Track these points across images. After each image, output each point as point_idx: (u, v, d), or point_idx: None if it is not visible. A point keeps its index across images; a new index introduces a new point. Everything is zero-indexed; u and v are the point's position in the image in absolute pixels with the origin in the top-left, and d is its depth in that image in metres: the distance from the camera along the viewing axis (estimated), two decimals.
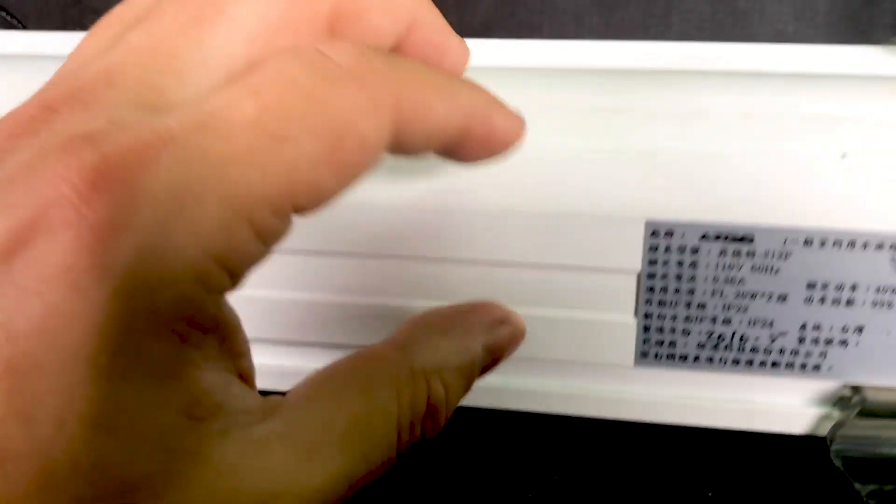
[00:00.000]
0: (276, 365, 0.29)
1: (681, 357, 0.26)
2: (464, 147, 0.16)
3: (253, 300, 0.28)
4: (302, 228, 0.15)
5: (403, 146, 0.15)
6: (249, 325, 0.17)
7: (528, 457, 0.31)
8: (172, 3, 0.14)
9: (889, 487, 0.26)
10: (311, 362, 0.25)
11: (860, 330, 0.25)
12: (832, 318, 0.25)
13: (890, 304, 0.24)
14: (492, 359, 0.20)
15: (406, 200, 0.25)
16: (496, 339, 0.20)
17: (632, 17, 0.42)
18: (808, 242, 0.24)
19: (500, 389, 0.28)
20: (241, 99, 0.13)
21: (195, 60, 0.14)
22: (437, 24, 0.17)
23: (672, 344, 0.26)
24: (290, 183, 0.13)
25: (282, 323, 0.28)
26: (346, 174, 0.14)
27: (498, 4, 0.43)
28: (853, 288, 0.24)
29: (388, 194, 0.26)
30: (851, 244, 0.24)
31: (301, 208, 0.14)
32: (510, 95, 0.26)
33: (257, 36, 0.14)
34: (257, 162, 0.13)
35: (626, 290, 0.26)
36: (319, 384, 0.16)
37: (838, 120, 0.24)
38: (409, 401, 0.16)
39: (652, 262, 0.25)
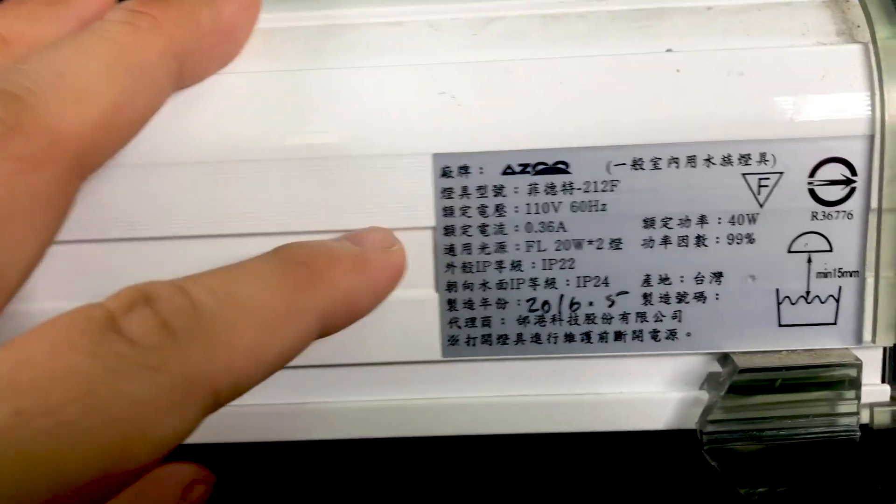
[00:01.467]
0: None
1: (500, 338, 0.20)
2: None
3: None
4: None
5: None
6: None
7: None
8: None
9: (781, 488, 0.20)
10: None
11: (718, 277, 0.19)
12: (681, 265, 0.19)
13: (750, 239, 0.19)
14: None
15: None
16: None
17: None
18: (637, 165, 0.19)
19: (286, 414, 0.20)
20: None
21: None
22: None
23: (486, 321, 0.20)
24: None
25: None
26: (132, 479, 0.12)
27: None
28: (702, 221, 0.19)
29: None
30: (691, 161, 0.19)
31: None
32: None
33: None
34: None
35: (420, 253, 0.19)
36: None
37: (659, 13, 0.20)
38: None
39: (447, 212, 0.19)
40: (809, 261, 0.19)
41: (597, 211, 0.19)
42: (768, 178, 0.19)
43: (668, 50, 0.19)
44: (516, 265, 0.19)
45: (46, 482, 0.11)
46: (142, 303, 0.13)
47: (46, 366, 0.12)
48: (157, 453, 0.12)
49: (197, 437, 0.20)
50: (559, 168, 0.19)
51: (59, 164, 0.14)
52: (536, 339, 0.20)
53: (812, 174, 0.18)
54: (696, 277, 0.19)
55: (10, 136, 0.14)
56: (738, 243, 0.19)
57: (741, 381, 0.19)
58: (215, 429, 0.20)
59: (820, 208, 0.19)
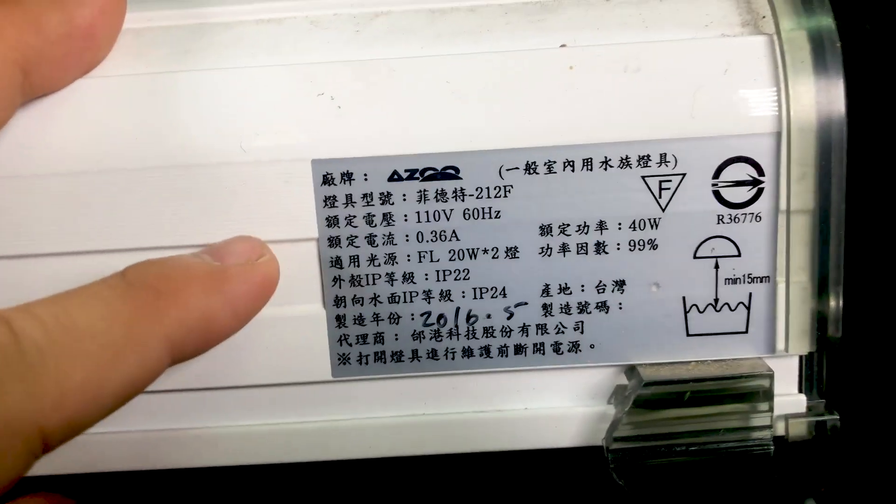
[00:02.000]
0: None
1: (394, 355, 0.18)
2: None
3: None
4: None
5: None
6: None
7: None
8: None
9: None
10: None
11: (621, 286, 0.18)
12: (582, 273, 0.18)
13: (653, 244, 0.18)
14: None
15: None
16: None
17: None
18: (530, 169, 0.17)
19: (166, 440, 0.19)
20: None
21: None
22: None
23: (379, 338, 0.18)
24: None
25: None
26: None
27: None
28: (601, 227, 0.18)
29: None
30: (587, 164, 0.17)
31: None
32: None
33: None
34: None
35: (305, 267, 0.18)
36: None
37: (554, 6, 0.18)
38: None
39: (331, 222, 0.18)
40: (717, 266, 0.18)
41: (490, 218, 0.18)
42: (670, 181, 0.17)
43: (563, 45, 0.18)
44: (408, 277, 0.18)
45: None
46: (36, 304, 0.12)
47: None
48: (33, 458, 0.12)
49: (73, 468, 0.19)
50: (449, 174, 0.17)
51: None
52: (433, 354, 0.18)
53: (717, 175, 0.17)
54: (598, 286, 0.18)
55: None
56: (640, 249, 0.18)
57: (647, 394, 0.18)
58: (93, 458, 0.19)
59: (726, 211, 0.18)
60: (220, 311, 0.15)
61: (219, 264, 0.16)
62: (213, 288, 0.15)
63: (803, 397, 0.19)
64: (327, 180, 0.17)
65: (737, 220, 0.18)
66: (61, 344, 0.13)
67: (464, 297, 0.18)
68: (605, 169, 0.17)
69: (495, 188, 0.17)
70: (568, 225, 0.18)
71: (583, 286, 0.18)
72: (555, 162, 0.17)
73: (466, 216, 0.18)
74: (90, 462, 0.19)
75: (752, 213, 0.18)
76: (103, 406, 0.13)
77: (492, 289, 0.18)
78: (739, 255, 0.18)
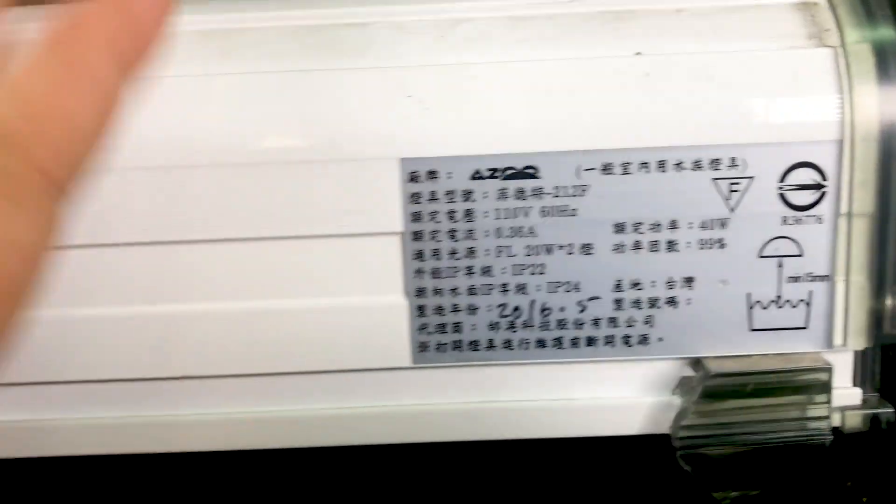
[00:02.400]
0: None
1: (470, 345, 0.19)
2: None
3: None
4: None
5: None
6: None
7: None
8: None
9: (753, 492, 0.20)
10: None
11: (690, 282, 0.19)
12: (653, 270, 0.19)
13: (721, 243, 0.19)
14: None
15: None
16: None
17: None
18: (607, 170, 0.18)
19: (235, 422, 0.20)
20: None
21: None
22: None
23: (457, 327, 0.19)
24: None
25: None
26: (21, 293, 0.12)
27: None
28: (673, 226, 0.19)
29: None
30: (661, 166, 0.18)
31: None
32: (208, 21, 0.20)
33: None
34: None
35: (389, 259, 0.19)
36: None
37: (628, 14, 0.19)
38: None
39: (415, 217, 0.19)
40: (780, 265, 0.19)
41: (567, 216, 0.19)
42: (739, 183, 0.18)
43: (638, 53, 0.19)
44: (486, 270, 0.19)
45: None
46: None
47: None
48: (25, 259, 0.12)
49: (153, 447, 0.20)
50: (528, 173, 0.18)
51: None
52: (507, 344, 0.19)
53: (782, 179, 0.18)
54: (668, 282, 0.19)
55: None
56: (709, 248, 0.19)
57: (713, 385, 0.19)
58: (175, 437, 0.20)
59: (790, 213, 0.19)
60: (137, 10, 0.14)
61: None
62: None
63: (858, 390, 0.20)
64: (413, 178, 0.18)
65: (800, 221, 0.19)
66: (22, 107, 0.13)
67: (539, 290, 0.19)
68: (678, 171, 0.18)
69: (572, 187, 0.18)
70: (641, 223, 0.19)
71: (653, 282, 0.19)
72: (630, 163, 0.18)
73: (544, 214, 0.19)
74: (164, 442, 0.20)
75: (815, 216, 0.19)
76: (86, 129, 0.13)
77: (566, 283, 0.19)
78: (802, 255, 0.19)
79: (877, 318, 0.19)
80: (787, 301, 0.19)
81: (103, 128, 0.14)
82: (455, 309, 0.19)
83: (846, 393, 0.20)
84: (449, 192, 0.19)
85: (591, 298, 0.19)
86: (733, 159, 0.18)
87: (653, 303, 0.19)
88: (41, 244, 0.12)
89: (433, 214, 0.19)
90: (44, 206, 0.12)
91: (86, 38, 0.14)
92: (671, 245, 0.19)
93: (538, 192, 0.19)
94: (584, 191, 0.18)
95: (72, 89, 0.13)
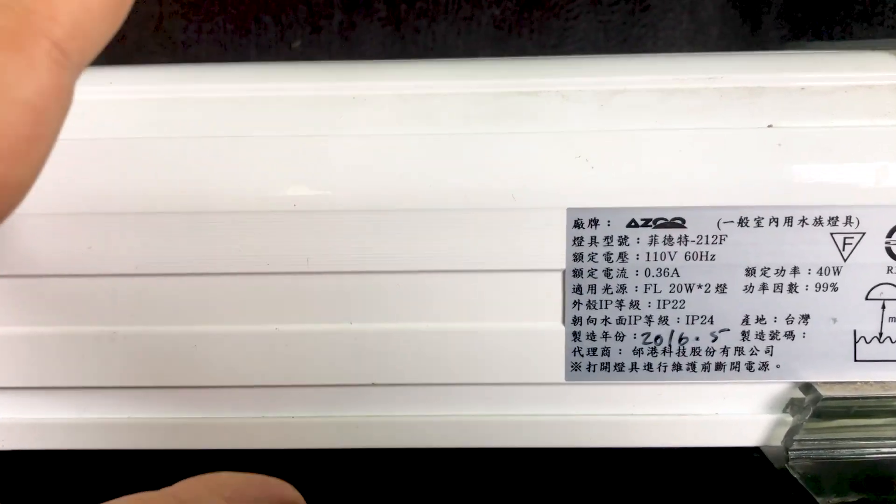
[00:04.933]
0: None
1: (616, 366, 0.23)
2: None
3: None
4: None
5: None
6: None
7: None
8: None
9: (853, 499, 0.23)
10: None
11: (806, 319, 0.22)
12: (775, 308, 0.22)
13: (834, 287, 0.22)
14: None
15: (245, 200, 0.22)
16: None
17: (524, 46, 0.40)
18: (742, 223, 0.22)
19: (412, 424, 0.24)
20: None
21: None
22: None
23: (606, 351, 0.23)
24: None
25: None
26: (30, 152, 0.13)
27: (388, 44, 0.41)
28: (795, 271, 0.22)
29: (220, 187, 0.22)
30: (788, 221, 0.22)
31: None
32: (407, 86, 0.23)
33: None
34: None
35: (551, 291, 0.23)
36: None
37: (760, 91, 0.23)
38: None
39: (577, 257, 0.22)
40: (884, 307, 0.22)
41: (707, 260, 0.22)
42: (852, 237, 0.22)
43: (770, 126, 0.22)
44: (634, 304, 0.23)
45: None
46: None
47: None
48: (34, 119, 0.13)
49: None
50: (676, 223, 0.22)
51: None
52: (648, 367, 0.23)
53: (889, 235, 0.22)
54: (788, 318, 0.22)
55: None
56: (823, 291, 0.22)
57: (823, 406, 0.22)
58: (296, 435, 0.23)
59: (895, 263, 0.22)
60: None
61: None
62: None
63: None
64: (578, 224, 0.22)
65: None
66: None
67: (678, 322, 0.23)
68: (802, 226, 0.22)
69: (713, 236, 0.22)
70: (768, 269, 0.22)
71: (776, 318, 0.22)
72: (763, 218, 0.22)
73: (687, 258, 0.22)
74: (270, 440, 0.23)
75: None
76: (90, 14, 0.14)
77: (702, 317, 0.23)
78: None
79: None
80: (888, 337, 0.23)
81: (114, 14, 0.14)
82: (605, 336, 0.23)
83: None
84: (607, 238, 0.22)
85: (723, 330, 0.23)
86: (848, 217, 0.22)
87: (774, 335, 0.23)
88: (51, 108, 0.13)
89: (592, 255, 0.22)
90: (54, 72, 0.13)
91: None
92: (792, 287, 0.22)
93: (683, 240, 0.22)
94: (722, 240, 0.22)
95: None
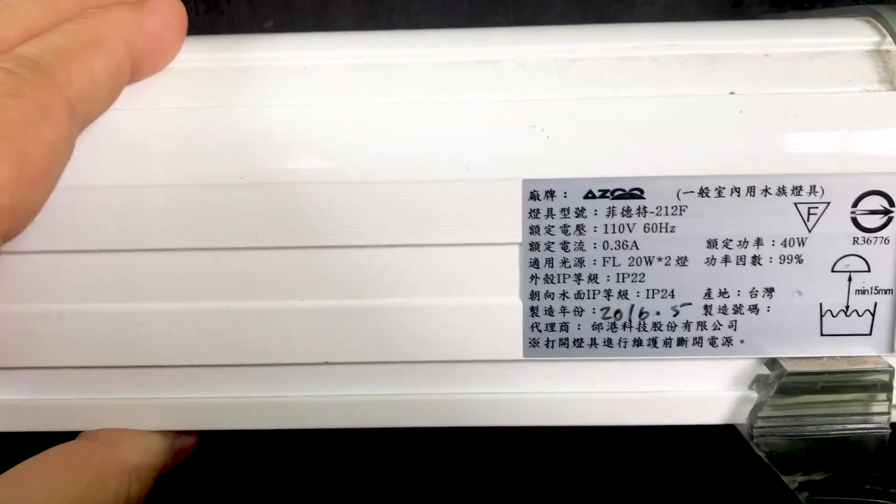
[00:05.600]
0: None
1: (575, 342, 0.22)
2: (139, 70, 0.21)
3: None
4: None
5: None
6: None
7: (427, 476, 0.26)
8: None
9: (819, 476, 0.22)
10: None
11: (770, 292, 0.22)
12: (738, 281, 0.22)
13: (799, 259, 0.22)
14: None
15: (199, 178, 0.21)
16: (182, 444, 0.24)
17: (500, 24, 0.40)
18: (703, 193, 0.21)
19: (367, 403, 0.23)
20: None
21: None
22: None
23: (564, 327, 0.22)
24: None
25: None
26: (44, 183, 0.18)
27: (362, 23, 0.40)
28: (758, 243, 0.22)
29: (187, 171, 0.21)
30: (751, 191, 0.21)
31: (7, 236, 0.17)
32: (357, 55, 0.23)
33: None
34: None
35: (508, 266, 0.22)
36: (29, 473, 0.19)
37: (722, 58, 0.22)
38: (114, 492, 0.20)
39: (533, 230, 0.22)
40: (850, 279, 0.22)
41: (666, 232, 0.21)
42: (817, 207, 0.21)
43: (732, 93, 0.21)
44: (593, 278, 0.22)
45: None
46: None
47: None
48: (51, 155, 0.17)
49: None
50: (635, 194, 0.21)
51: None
52: (608, 343, 0.22)
53: (855, 204, 0.21)
54: (751, 292, 0.22)
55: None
56: (788, 263, 0.22)
57: (788, 382, 0.22)
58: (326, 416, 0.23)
59: (861, 234, 0.21)
60: (150, 22, 0.20)
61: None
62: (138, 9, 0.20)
63: None
64: (534, 196, 0.21)
65: (869, 242, 0.21)
66: (54, 52, 0.18)
67: (638, 296, 0.22)
68: (765, 195, 0.21)
69: (672, 207, 0.21)
70: (731, 240, 0.21)
71: (739, 291, 0.22)
72: (724, 188, 0.21)
73: (646, 230, 0.21)
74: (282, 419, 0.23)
75: (882, 237, 0.21)
76: (97, 85, 0.19)
77: (662, 290, 0.22)
78: (869, 271, 0.22)
79: None
80: (855, 311, 0.22)
81: (112, 86, 0.19)
82: (563, 311, 0.22)
83: None
84: (564, 209, 0.21)
85: (684, 304, 0.22)
86: (812, 187, 0.21)
87: (737, 309, 0.22)
88: (63, 151, 0.17)
89: (549, 228, 0.22)
90: (67, 124, 0.17)
91: (107, 23, 0.19)
92: (755, 259, 0.22)
93: (642, 211, 0.21)
94: (682, 210, 0.21)
95: (92, 51, 0.18)
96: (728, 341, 0.22)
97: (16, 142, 0.16)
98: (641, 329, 0.22)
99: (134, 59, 0.20)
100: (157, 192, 0.21)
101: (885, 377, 0.22)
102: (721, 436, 0.24)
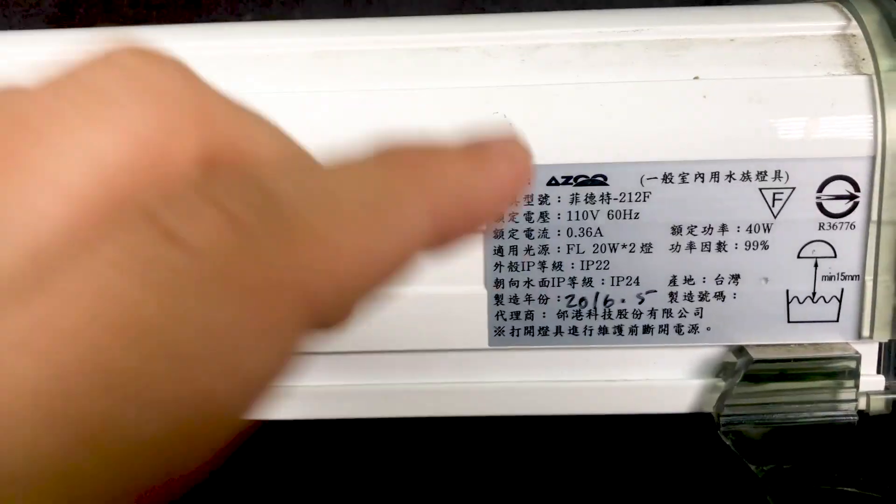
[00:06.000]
0: None
1: (541, 330, 0.22)
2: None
3: None
4: None
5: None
6: None
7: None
8: None
9: (787, 464, 0.22)
10: None
11: (736, 279, 0.22)
12: (704, 268, 0.22)
13: (765, 245, 0.21)
14: None
15: None
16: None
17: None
18: (667, 178, 0.21)
19: (333, 394, 0.23)
20: (22, 345, 0.08)
21: None
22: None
23: (529, 315, 0.22)
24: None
25: None
26: (216, 455, 0.10)
27: (340, 17, 0.40)
28: (723, 229, 0.21)
29: None
30: (715, 177, 0.21)
31: None
32: (319, 43, 0.23)
33: (82, 190, 0.09)
34: (43, 474, 0.08)
35: (472, 254, 0.22)
36: None
37: (687, 43, 0.22)
38: None
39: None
40: (816, 265, 0.21)
41: (630, 219, 0.21)
42: (782, 193, 0.21)
43: (696, 77, 0.21)
44: (557, 265, 0.22)
45: (100, 476, 0.09)
46: (196, 197, 0.10)
47: (82, 305, 0.09)
48: (247, 402, 0.10)
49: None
50: (598, 180, 0.21)
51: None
52: (573, 331, 0.22)
53: (820, 189, 0.21)
54: (717, 279, 0.22)
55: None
56: (753, 249, 0.21)
57: (755, 370, 0.22)
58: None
59: (826, 219, 0.21)
60: (482, 186, 0.12)
61: (477, 142, 0.13)
62: (473, 161, 0.13)
63: (882, 378, 0.22)
64: None
65: (835, 227, 0.21)
66: (322, 204, 0.10)
67: (603, 283, 0.22)
68: (729, 181, 0.21)
69: (636, 193, 0.21)
70: (695, 226, 0.21)
71: (704, 278, 0.22)
72: (688, 174, 0.21)
73: (610, 216, 0.21)
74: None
75: (848, 223, 0.21)
76: (373, 274, 0.11)
77: (627, 278, 0.22)
78: (835, 257, 0.21)
79: None
80: (821, 297, 0.22)
81: (387, 276, 0.11)
82: (528, 299, 0.22)
83: (871, 380, 0.22)
84: (527, 196, 0.21)
85: (649, 292, 0.22)
86: (777, 172, 0.21)
87: (703, 296, 0.22)
88: (268, 377, 0.10)
89: (512, 215, 0.21)
90: (289, 333, 0.10)
91: (419, 183, 0.12)
92: (721, 246, 0.21)
93: (606, 198, 0.21)
94: (646, 197, 0.21)
95: (378, 222, 0.11)
96: (694, 329, 0.22)
97: (194, 379, 0.09)
98: (606, 317, 0.22)
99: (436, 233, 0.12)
100: None
101: (853, 364, 0.22)
102: (701, 424, 0.23)
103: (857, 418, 0.22)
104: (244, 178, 0.10)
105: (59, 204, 0.09)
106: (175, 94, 0.11)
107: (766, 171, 0.21)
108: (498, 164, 0.13)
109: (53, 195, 0.09)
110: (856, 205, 0.21)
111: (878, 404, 0.22)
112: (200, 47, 0.22)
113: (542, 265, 0.22)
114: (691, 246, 0.21)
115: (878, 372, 0.22)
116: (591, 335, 0.22)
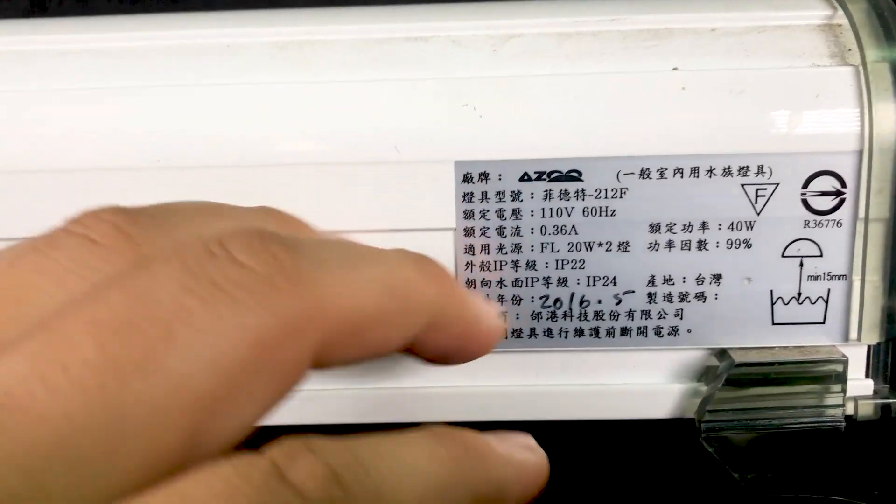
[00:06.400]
0: None
1: (515, 332, 0.21)
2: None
3: None
4: None
5: None
6: None
7: None
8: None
9: (771, 472, 0.21)
10: None
11: (717, 279, 0.21)
12: (684, 267, 0.21)
13: (747, 244, 0.20)
14: None
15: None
16: None
17: None
18: (644, 174, 0.20)
19: (307, 399, 0.22)
20: None
21: None
22: (462, 316, 0.15)
23: (503, 317, 0.21)
24: None
25: None
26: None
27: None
28: (703, 227, 0.20)
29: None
30: (695, 172, 0.20)
31: None
32: (283, 33, 0.22)
33: (202, 385, 0.11)
34: None
35: (442, 253, 0.21)
36: None
37: (666, 33, 0.21)
38: None
39: (467, 215, 0.20)
40: (801, 265, 0.21)
41: (607, 216, 0.20)
42: (765, 189, 0.20)
43: (675, 69, 0.20)
44: (531, 265, 0.21)
45: None
46: (305, 452, 0.12)
47: None
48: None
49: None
50: (572, 176, 0.20)
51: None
52: (548, 333, 0.21)
53: (805, 185, 0.20)
54: (697, 279, 0.21)
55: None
56: (736, 248, 0.20)
57: (737, 374, 0.21)
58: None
59: (812, 217, 0.20)
60: (512, 483, 0.15)
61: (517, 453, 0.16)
62: (509, 460, 0.15)
63: (871, 382, 0.21)
64: (467, 179, 0.20)
65: (821, 225, 0.20)
66: (396, 474, 0.13)
67: (578, 283, 0.21)
68: (710, 177, 0.20)
69: (612, 190, 0.20)
70: (674, 224, 0.20)
71: (684, 278, 0.21)
72: (666, 169, 0.20)
73: (585, 213, 0.20)
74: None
75: (835, 220, 0.20)
76: None
77: (604, 278, 0.21)
78: (821, 256, 0.20)
79: (889, 315, 0.21)
80: (807, 298, 0.21)
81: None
82: (501, 299, 0.21)
83: (859, 384, 0.21)
84: (499, 193, 0.20)
85: (627, 292, 0.21)
86: (760, 167, 0.20)
87: (683, 297, 0.21)
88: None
89: (484, 212, 0.20)
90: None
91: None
92: (701, 244, 0.20)
93: (581, 194, 0.20)
94: (623, 193, 0.20)
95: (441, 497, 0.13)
96: (674, 331, 0.21)
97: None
98: (582, 318, 0.21)
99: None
100: (78, 175, 0.20)
101: (839, 368, 0.21)
102: (682, 429, 0.23)
103: (844, 424, 0.21)
104: (338, 443, 0.12)
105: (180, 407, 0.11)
106: (294, 296, 0.12)
107: (748, 167, 0.20)
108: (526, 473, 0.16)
109: (176, 397, 0.11)
110: (842, 201, 0.20)
111: (866, 409, 0.21)
112: (171, 37, 0.21)
113: (516, 264, 0.21)
114: (670, 244, 0.20)
115: (867, 376, 0.22)
116: (566, 337, 0.21)
